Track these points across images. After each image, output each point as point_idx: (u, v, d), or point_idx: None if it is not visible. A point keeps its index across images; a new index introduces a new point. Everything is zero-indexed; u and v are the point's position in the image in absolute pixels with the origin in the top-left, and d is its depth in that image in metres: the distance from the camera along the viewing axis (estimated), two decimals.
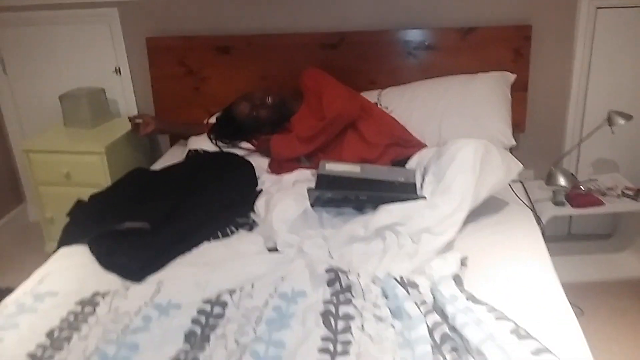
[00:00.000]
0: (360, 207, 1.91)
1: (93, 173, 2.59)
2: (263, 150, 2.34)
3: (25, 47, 2.93)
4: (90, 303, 1.57)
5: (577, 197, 2.33)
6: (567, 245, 2.72)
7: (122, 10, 2.76)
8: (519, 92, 2.49)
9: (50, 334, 1.44)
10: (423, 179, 1.96)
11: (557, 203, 2.36)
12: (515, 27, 2.46)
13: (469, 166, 1.75)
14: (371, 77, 2.62)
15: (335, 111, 2.16)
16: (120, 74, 2.89)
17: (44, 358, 1.36)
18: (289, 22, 2.67)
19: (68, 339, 1.42)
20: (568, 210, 2.32)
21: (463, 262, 1.62)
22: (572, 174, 2.43)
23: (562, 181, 2.33)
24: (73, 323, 1.48)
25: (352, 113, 2.19)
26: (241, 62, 2.68)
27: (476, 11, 2.51)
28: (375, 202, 1.83)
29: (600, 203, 2.33)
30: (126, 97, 2.94)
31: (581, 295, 2.26)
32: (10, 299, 1.63)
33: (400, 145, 2.23)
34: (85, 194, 2.57)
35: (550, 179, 2.37)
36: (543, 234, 1.85)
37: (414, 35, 2.54)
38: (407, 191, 1.93)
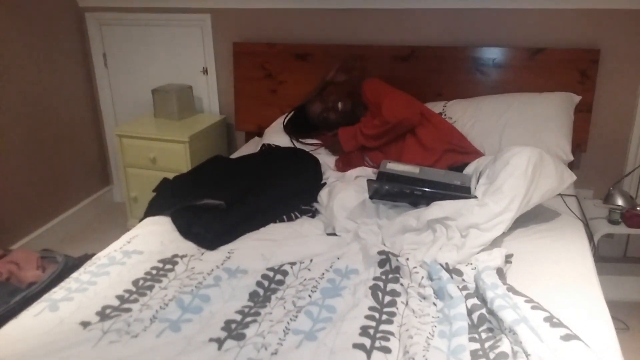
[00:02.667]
0: (415, 202, 2.05)
1: (176, 159, 2.87)
2: (329, 145, 2.53)
3: (125, 45, 3.27)
4: (170, 262, 1.79)
5: (633, 217, 2.36)
6: (622, 266, 2.74)
7: (214, 17, 3.05)
8: (583, 112, 2.56)
9: (135, 283, 1.68)
10: (477, 183, 2.08)
11: (612, 222, 2.40)
12: (584, 50, 2.54)
13: (521, 171, 1.85)
14: (438, 90, 2.76)
15: (397, 117, 2.31)
16: (207, 74, 3.17)
17: (129, 300, 1.59)
18: (364, 34, 2.86)
19: (150, 288, 1.65)
20: (622, 229, 2.36)
21: (508, 259, 1.73)
22: (631, 196, 2.47)
23: (619, 201, 2.39)
24: (155, 276, 1.71)
25: (413, 118, 2.33)
26: (317, 68, 2.89)
27: (546, 33, 2.61)
28: (429, 199, 1.97)
29: None
30: (210, 95, 3.22)
31: (629, 313, 2.30)
32: (102, 253, 1.88)
33: (458, 151, 2.35)
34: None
35: (608, 199, 2.42)
36: (595, 250, 1.91)
37: (483, 53, 2.67)
38: (462, 192, 2.05)
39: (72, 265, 2.54)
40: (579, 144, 2.59)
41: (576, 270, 1.71)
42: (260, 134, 3.11)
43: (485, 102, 2.57)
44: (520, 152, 1.91)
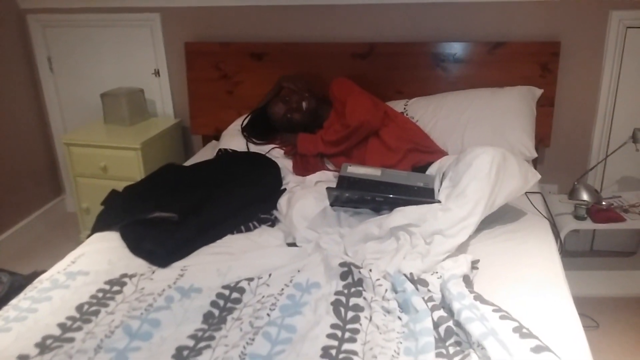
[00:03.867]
0: (378, 208, 1.98)
1: (128, 167, 2.73)
2: (290, 152, 2.43)
3: (71, 48, 3.10)
4: (118, 283, 1.67)
5: (598, 212, 2.34)
6: (589, 260, 2.72)
7: (163, 16, 2.91)
8: (545, 107, 2.52)
9: (79, 308, 1.55)
10: (441, 185, 2.02)
11: (578, 217, 2.37)
12: (544, 43, 2.50)
13: (484, 173, 1.79)
14: (399, 87, 2.69)
15: (358, 120, 2.23)
16: (159, 75, 3.03)
17: (72, 328, 1.47)
18: (321, 31, 2.76)
19: (96, 313, 1.53)
20: (588, 224, 2.33)
21: (474, 265, 1.67)
22: (596, 190, 2.44)
23: (584, 196, 2.35)
24: (101, 299, 1.59)
25: (375, 122, 2.26)
26: (273, 68, 2.78)
27: (505, 26, 2.56)
28: (391, 204, 1.90)
29: (622, 219, 2.33)
30: (163, 98, 3.08)
31: (598, 309, 2.27)
32: (45, 276, 1.74)
33: (421, 151, 2.28)
34: (120, 187, 2.69)
35: (573, 194, 2.39)
36: (561, 246, 1.88)
37: (443, 48, 2.60)
38: (425, 196, 1.99)
39: (18, 285, 2.39)
40: (542, 139, 2.55)
41: (543, 272, 1.66)
42: (217, 137, 2.98)
43: (447, 99, 2.51)
44: (482, 154, 1.84)
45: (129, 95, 2.92)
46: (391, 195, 1.91)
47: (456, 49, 2.59)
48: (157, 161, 2.80)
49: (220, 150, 2.46)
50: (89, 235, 2.03)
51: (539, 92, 2.50)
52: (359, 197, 1.94)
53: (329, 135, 2.30)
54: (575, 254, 2.78)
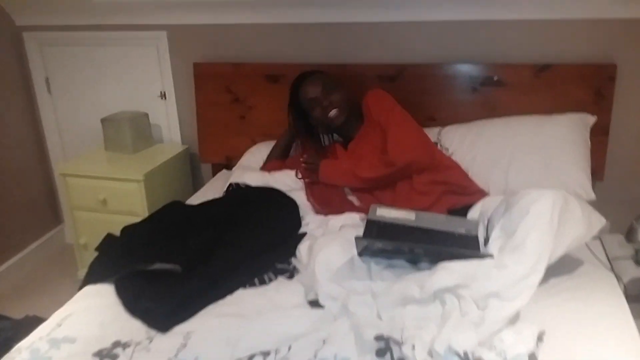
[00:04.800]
0: (415, 260, 1.69)
1: (130, 201, 2.47)
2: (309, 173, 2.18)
3: (71, 68, 2.86)
4: (109, 355, 1.40)
5: None
6: None
7: (171, 34, 2.66)
8: (598, 136, 2.22)
9: None
10: (487, 233, 1.73)
11: (639, 262, 2.06)
12: (598, 65, 2.21)
13: (545, 221, 1.51)
14: (431, 113, 2.41)
15: (406, 160, 1.96)
16: (165, 98, 2.78)
17: None
18: (344, 51, 2.50)
19: None
20: None
21: (540, 337, 1.37)
22: None
23: None
24: None
25: (425, 161, 1.99)
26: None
27: (553, 46, 2.28)
28: (432, 256, 1.62)
29: None
30: (170, 122, 2.82)
31: None
32: (24, 344, 1.47)
33: (457, 193, 2.00)
34: (121, 222, 2.45)
35: (631, 235, 2.08)
36: (625, 295, 1.61)
37: (481, 70, 2.33)
38: (468, 245, 1.72)
39: (4, 338, 2.12)
40: (595, 171, 2.24)
41: (619, 345, 1.38)
42: (228, 166, 2.73)
43: (487, 128, 2.22)
44: (541, 198, 1.56)
45: (133, 120, 2.66)
46: (432, 247, 1.62)
47: (497, 71, 2.31)
48: (162, 193, 2.54)
49: (231, 185, 2.19)
50: (80, 287, 1.76)
51: (592, 119, 2.21)
52: (393, 248, 1.66)
53: (366, 172, 2.03)
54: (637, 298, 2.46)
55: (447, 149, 2.23)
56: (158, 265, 1.66)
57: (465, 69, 2.34)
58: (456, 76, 2.36)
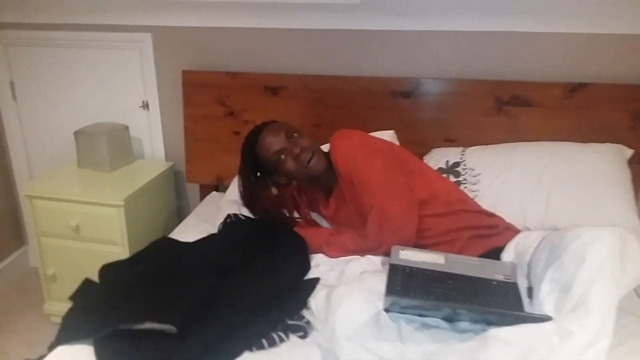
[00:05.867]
0: (452, 317, 1.44)
1: (108, 228, 2.15)
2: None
3: (40, 72, 2.52)
4: None
5: None
6: None
7: (156, 37, 2.35)
8: (634, 164, 2.01)
9: None
10: (529, 281, 1.50)
11: None
12: (637, 86, 2.00)
13: (607, 271, 1.27)
14: (449, 134, 2.17)
15: (387, 241, 1.63)
16: (147, 109, 2.47)
17: None
18: (354, 62, 2.23)
19: None
20: None
21: None
22: None
23: None
24: None
25: (412, 232, 1.65)
26: (292, 105, 2.25)
27: (588, 64, 2.06)
28: (470, 313, 1.37)
29: None
30: (153, 136, 2.51)
31: None
32: None
33: (483, 236, 1.72)
34: (96, 251, 2.16)
35: None
36: None
37: (507, 88, 2.09)
38: (509, 294, 1.48)
39: None
40: None
41: None
42: (218, 187, 2.44)
43: (517, 152, 1.98)
44: (597, 242, 1.32)
45: (111, 134, 2.34)
46: (475, 308, 1.38)
47: (524, 89, 2.08)
48: (143, 218, 2.25)
49: (229, 216, 1.89)
50: (51, 346, 1.45)
51: (629, 152, 1.99)
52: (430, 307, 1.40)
53: (335, 249, 1.74)
54: None
55: (472, 169, 1.99)
56: (148, 325, 1.37)
57: (489, 85, 2.10)
58: (478, 93, 2.12)
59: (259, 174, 1.84)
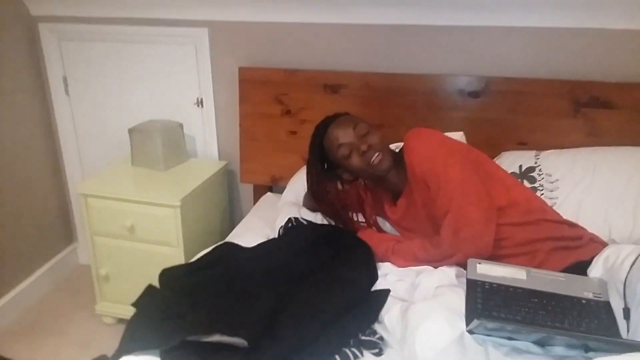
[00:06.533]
0: (544, 341, 1.33)
1: (163, 229, 2.09)
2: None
3: (93, 67, 2.48)
4: None
5: None
6: None
7: (213, 32, 2.28)
8: None
9: None
10: (626, 301, 1.37)
11: None
12: None
13: None
14: (521, 137, 2.04)
15: (466, 252, 1.53)
16: (202, 106, 2.40)
17: None
18: (419, 60, 2.12)
19: None
20: None
21: None
22: None
23: None
24: None
25: (488, 248, 1.53)
26: (353, 105, 2.15)
27: None
28: (571, 341, 1.26)
29: None
30: (207, 134, 2.44)
31: None
32: None
33: (566, 248, 1.59)
34: (151, 252, 2.11)
35: None
36: None
37: (585, 88, 1.95)
38: (600, 314, 1.38)
39: None
40: None
41: None
42: (272, 188, 2.36)
43: (599, 157, 1.85)
44: None
45: (165, 132, 2.29)
46: (569, 333, 1.28)
47: (605, 90, 1.94)
48: (198, 219, 2.19)
49: (289, 220, 1.81)
50: (116, 355, 1.38)
51: None
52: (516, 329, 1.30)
53: (406, 258, 1.64)
54: None
55: (549, 175, 1.86)
56: (218, 338, 1.29)
57: (565, 85, 1.97)
58: (553, 94, 1.99)
59: (326, 166, 1.77)
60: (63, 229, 2.79)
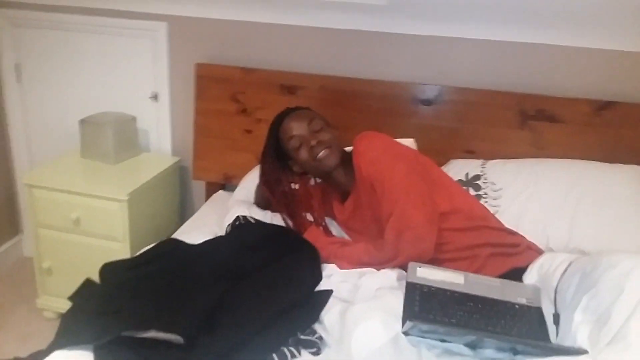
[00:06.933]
0: (475, 344, 1.36)
1: (110, 223, 2.06)
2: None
3: (47, 55, 2.42)
4: None
5: None
6: None
7: (172, 26, 2.26)
8: None
9: None
10: (556, 307, 1.42)
11: None
12: None
13: None
14: (469, 145, 2.09)
15: (406, 253, 1.54)
16: (157, 100, 2.38)
17: None
18: (375, 65, 2.16)
19: None
20: None
21: None
22: None
23: None
24: None
25: (430, 249, 1.56)
26: (309, 106, 2.14)
27: (618, 82, 1.99)
28: (501, 344, 1.29)
29: None
30: (160, 129, 2.42)
31: None
32: None
33: (504, 254, 1.64)
34: (95, 246, 2.07)
35: None
36: None
37: (532, 101, 2.01)
38: (532, 319, 1.43)
39: None
40: None
41: None
42: (225, 186, 2.35)
43: (542, 168, 1.91)
44: (636, 271, 1.26)
45: (118, 125, 2.25)
46: (504, 337, 1.31)
47: (551, 104, 2.00)
48: (147, 214, 2.17)
49: (238, 218, 1.81)
50: (48, 349, 1.36)
51: None
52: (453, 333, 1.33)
53: (349, 260, 1.64)
54: None
55: (494, 184, 1.92)
56: (153, 334, 1.28)
57: (514, 98, 2.03)
58: (502, 105, 2.04)
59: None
60: (8, 220, 2.71)
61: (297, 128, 1.71)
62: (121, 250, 2.06)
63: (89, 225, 2.08)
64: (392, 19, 2.07)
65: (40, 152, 2.58)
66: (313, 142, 1.68)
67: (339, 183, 1.78)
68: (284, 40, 2.20)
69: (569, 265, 1.45)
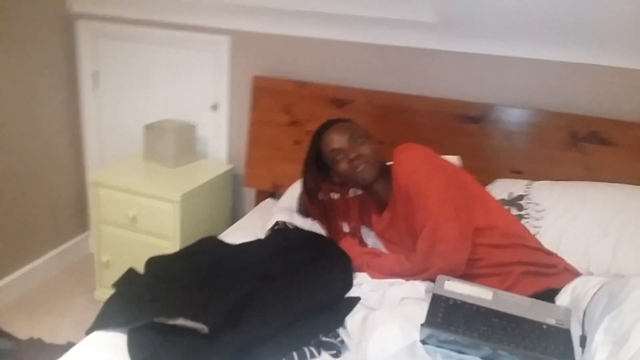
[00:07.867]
0: (493, 357, 1.35)
1: (163, 222, 2.19)
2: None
3: (121, 64, 2.63)
4: None
5: None
6: None
7: (234, 40, 2.39)
8: None
9: None
10: (584, 329, 1.38)
11: None
12: None
13: None
14: (516, 165, 2.07)
15: (440, 266, 1.56)
16: (216, 110, 2.51)
17: None
18: (424, 82, 2.18)
19: None
20: None
21: None
22: None
23: None
24: None
25: (460, 268, 1.57)
26: (357, 120, 2.16)
27: None
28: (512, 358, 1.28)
29: None
30: (218, 138, 2.55)
31: None
32: None
33: (539, 274, 1.61)
34: (149, 243, 2.21)
35: None
36: None
37: (584, 123, 1.97)
38: (558, 341, 1.38)
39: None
40: None
41: None
42: (274, 194, 2.44)
43: (590, 192, 1.86)
44: None
45: (178, 131, 2.40)
46: (519, 351, 1.29)
47: (604, 126, 1.95)
48: (199, 216, 2.28)
49: (277, 224, 1.88)
50: (89, 330, 1.47)
51: None
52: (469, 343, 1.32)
53: (385, 267, 1.68)
54: None
55: (537, 204, 1.88)
56: (182, 321, 1.36)
57: (565, 118, 1.99)
58: (553, 126, 2.01)
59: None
60: (78, 217, 2.92)
61: (337, 141, 1.76)
62: (171, 249, 2.17)
63: (144, 223, 2.22)
64: (442, 37, 2.09)
65: (110, 153, 2.78)
66: (352, 155, 1.73)
67: (378, 194, 1.81)
68: (336, 56, 2.27)
69: (600, 288, 1.41)
